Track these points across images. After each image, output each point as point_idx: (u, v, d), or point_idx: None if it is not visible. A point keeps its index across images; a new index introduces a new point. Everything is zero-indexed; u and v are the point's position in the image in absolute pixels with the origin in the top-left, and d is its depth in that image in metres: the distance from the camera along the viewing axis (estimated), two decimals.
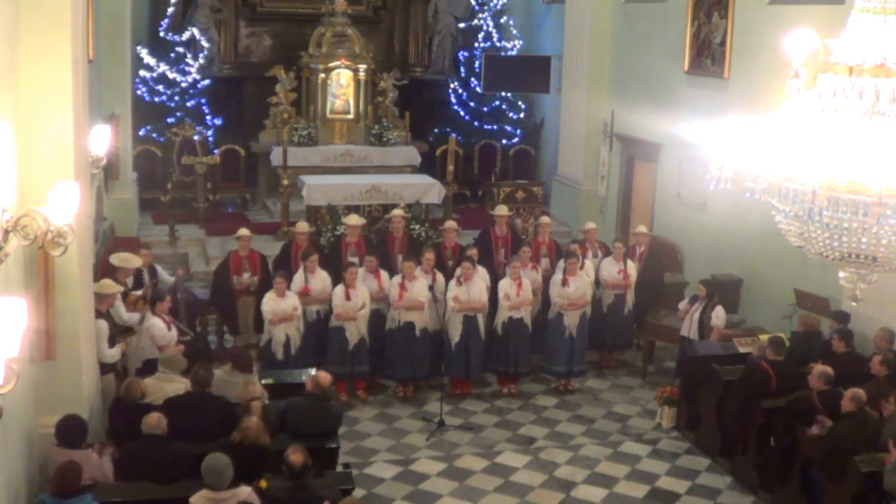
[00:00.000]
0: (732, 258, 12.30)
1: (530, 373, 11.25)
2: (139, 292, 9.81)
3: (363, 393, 10.73)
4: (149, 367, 9.00)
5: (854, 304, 5.58)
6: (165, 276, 11.00)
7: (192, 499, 6.26)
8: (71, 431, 6.86)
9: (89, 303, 8.18)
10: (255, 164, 16.81)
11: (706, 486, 9.15)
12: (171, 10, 16.51)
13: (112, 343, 8.72)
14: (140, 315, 9.45)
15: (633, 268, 11.67)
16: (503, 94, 17.86)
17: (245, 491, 6.27)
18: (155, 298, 9.52)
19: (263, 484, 6.46)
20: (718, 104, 12.24)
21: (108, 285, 9.02)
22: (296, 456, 6.49)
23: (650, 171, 14.59)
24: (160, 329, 9.26)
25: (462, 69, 18.25)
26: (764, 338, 9.73)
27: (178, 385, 8.12)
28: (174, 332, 9.43)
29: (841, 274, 5.09)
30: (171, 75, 16.21)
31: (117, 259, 10.09)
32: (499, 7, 18.22)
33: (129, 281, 10.01)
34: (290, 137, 15.76)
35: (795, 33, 4.95)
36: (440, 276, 10.91)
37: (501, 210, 12.42)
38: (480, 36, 18.05)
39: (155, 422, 7.01)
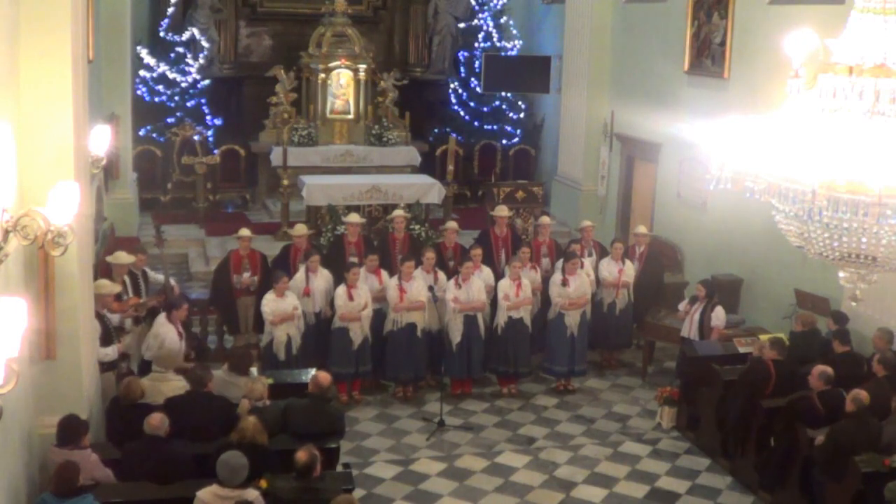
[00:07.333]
0: (732, 258, 12.29)
1: (530, 373, 11.25)
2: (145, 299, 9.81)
3: (358, 394, 10.72)
4: (146, 368, 8.98)
5: (854, 304, 5.57)
6: (154, 276, 10.78)
7: (200, 493, 6.28)
8: (70, 431, 6.86)
9: (89, 303, 8.18)
10: (255, 164, 16.82)
11: (706, 486, 9.15)
12: (171, 10, 16.51)
13: (108, 342, 8.71)
14: (121, 316, 9.37)
15: (630, 267, 11.68)
16: (503, 94, 17.86)
17: (252, 493, 6.27)
18: (171, 306, 9.31)
19: (263, 484, 6.47)
20: (718, 104, 12.24)
21: (101, 285, 9.02)
22: (300, 454, 6.49)
23: (650, 171, 14.59)
24: (172, 339, 9.04)
25: (462, 69, 18.25)
26: (764, 338, 9.72)
27: (174, 384, 8.11)
28: (183, 344, 9.19)
29: (841, 274, 5.08)
30: (171, 75, 16.21)
31: (111, 258, 10.13)
32: (499, 7, 18.21)
33: (127, 282, 9.99)
34: (290, 137, 15.77)
35: (795, 33, 4.94)
36: (442, 276, 10.92)
37: (501, 210, 12.41)
38: (480, 36, 18.05)
39: (157, 422, 7.00)
